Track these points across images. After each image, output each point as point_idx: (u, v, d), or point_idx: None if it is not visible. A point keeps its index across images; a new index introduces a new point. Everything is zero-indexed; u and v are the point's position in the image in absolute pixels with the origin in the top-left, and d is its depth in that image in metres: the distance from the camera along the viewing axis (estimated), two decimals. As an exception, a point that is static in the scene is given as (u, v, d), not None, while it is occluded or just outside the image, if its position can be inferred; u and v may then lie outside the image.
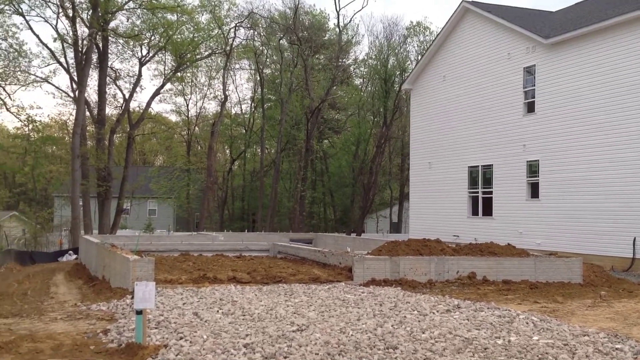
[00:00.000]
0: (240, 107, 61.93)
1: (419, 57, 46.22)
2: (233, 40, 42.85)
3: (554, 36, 21.42)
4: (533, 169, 22.59)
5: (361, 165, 50.43)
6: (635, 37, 18.85)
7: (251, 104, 57.85)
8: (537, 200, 22.24)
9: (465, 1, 26.26)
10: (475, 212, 25.51)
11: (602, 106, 19.77)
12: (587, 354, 7.59)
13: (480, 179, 25.25)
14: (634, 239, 18.29)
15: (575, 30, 20.63)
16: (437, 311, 9.99)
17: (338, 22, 49.84)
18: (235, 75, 56.99)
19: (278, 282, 13.49)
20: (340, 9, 48.90)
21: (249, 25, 46.39)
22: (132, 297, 9.90)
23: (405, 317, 9.45)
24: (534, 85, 22.57)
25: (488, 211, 24.72)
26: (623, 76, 19.12)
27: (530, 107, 22.81)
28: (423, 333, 8.30)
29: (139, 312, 7.47)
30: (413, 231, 28.47)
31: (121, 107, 38.41)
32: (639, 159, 18.49)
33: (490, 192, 24.59)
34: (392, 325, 8.78)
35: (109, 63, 35.61)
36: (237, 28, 43.22)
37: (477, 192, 25.36)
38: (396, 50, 51.98)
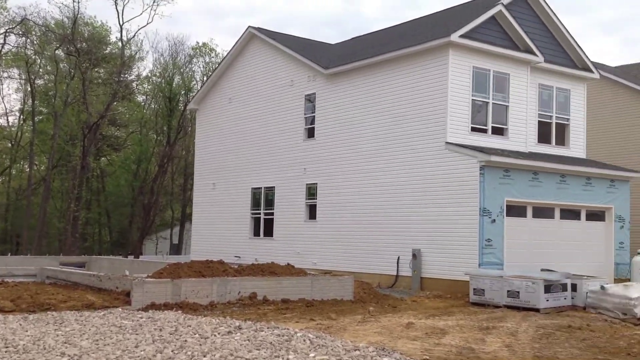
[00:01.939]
0: (7, 119, 56.62)
1: (205, 78, 46.30)
2: (2, 47, 39.30)
3: (332, 67, 22.83)
4: (312, 191, 23.70)
5: (142, 185, 48.85)
6: (396, 74, 20.74)
7: (20, 116, 53.19)
8: (315, 221, 23.34)
9: (251, 27, 26.93)
10: (257, 233, 26.01)
11: (371, 134, 21.44)
12: (358, 367, 8.10)
13: (263, 200, 25.86)
14: (398, 257, 19.96)
15: (351, 63, 22.18)
16: (219, 333, 9.97)
17: (121, 36, 48.05)
18: (2, 85, 51.95)
19: (46, 310, 12.49)
20: (123, 23, 46.98)
21: (21, 32, 42.91)
22: None
23: (186, 341, 9.28)
24: (314, 112, 23.79)
25: (269, 232, 25.37)
26: (387, 108, 20.92)
27: (311, 133, 23.98)
28: (204, 356, 8.22)
29: None
30: (195, 252, 28.18)
31: None
32: (399, 184, 20.27)
33: (272, 214, 25.28)
34: (172, 351, 8.57)
35: None
36: (7, 34, 39.77)
37: (260, 214, 25.91)
38: (182, 69, 51.54)
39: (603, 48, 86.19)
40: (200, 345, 8.98)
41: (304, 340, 9.63)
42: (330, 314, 13.50)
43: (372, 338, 10.88)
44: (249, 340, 9.45)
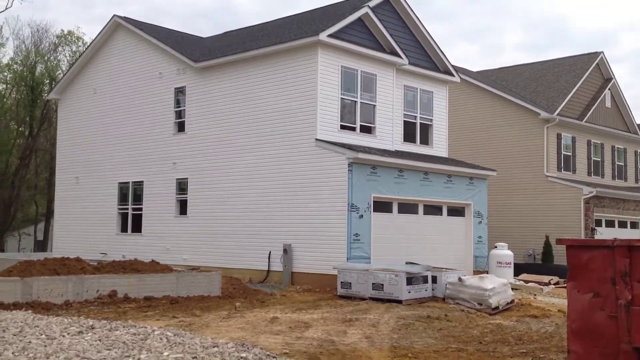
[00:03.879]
0: None
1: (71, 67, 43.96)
2: None
3: (203, 60, 22.35)
4: (182, 186, 23.10)
5: (2, 179, 45.68)
6: (267, 70, 20.67)
7: None
8: (186, 217, 22.79)
9: (117, 16, 25.79)
10: (124, 229, 25.02)
11: (242, 130, 21.21)
12: (214, 364, 7.90)
13: (131, 195, 24.90)
14: (269, 252, 19.91)
15: (222, 57, 21.81)
16: (68, 333, 9.38)
17: (-23, 20, 44.56)
18: None
19: None
20: (-20, 7, 43.57)
21: None
22: None
23: (30, 342, 8.65)
24: (185, 105, 23.19)
25: (137, 228, 24.47)
26: (259, 104, 20.81)
27: (181, 127, 23.35)
28: (47, 358, 7.69)
29: None
30: (58, 249, 26.67)
31: None
32: (270, 180, 20.24)
33: (141, 209, 24.40)
34: (12, 353, 7.95)
35: None
36: None
37: (127, 209, 24.94)
38: (45, 58, 48.66)
39: (467, 55, 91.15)
40: (45, 346, 8.40)
41: (161, 339, 9.27)
42: (195, 311, 13.19)
43: (234, 334, 10.71)
44: (100, 340, 8.96)
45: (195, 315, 12.63)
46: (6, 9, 66.31)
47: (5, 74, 51.31)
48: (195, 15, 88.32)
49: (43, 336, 9.13)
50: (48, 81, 47.14)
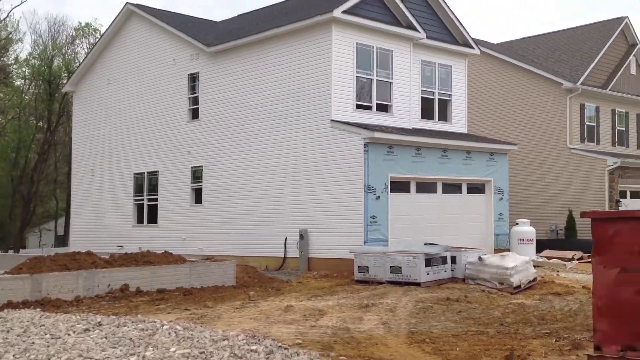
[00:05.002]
0: None
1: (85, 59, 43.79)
2: None
3: (216, 45, 21.94)
4: (197, 174, 22.84)
5: (21, 174, 45.93)
6: (280, 51, 20.22)
7: None
8: (201, 206, 22.55)
9: (129, 3, 25.47)
10: (140, 221, 24.88)
11: (256, 114, 20.84)
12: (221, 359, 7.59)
13: (146, 186, 24.72)
14: (285, 238, 19.58)
15: (234, 40, 21.38)
16: (74, 332, 9.14)
17: (-7, 16, 44.64)
18: None
19: None
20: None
21: None
22: None
23: (33, 342, 8.42)
24: (198, 92, 22.85)
25: (153, 219, 24.31)
26: (273, 86, 20.38)
27: (195, 114, 23.04)
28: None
29: None
30: (75, 244, 26.58)
31: None
32: (285, 165, 19.85)
33: (156, 200, 24.22)
34: (14, 355, 7.71)
35: None
36: None
37: (143, 200, 24.78)
38: (63, 51, 48.63)
39: (488, 27, 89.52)
40: (48, 346, 8.16)
41: (169, 333, 8.99)
42: (208, 302, 12.91)
43: (246, 325, 10.41)
44: (106, 337, 8.70)
45: (207, 306, 12.35)
46: (21, 3, 66.59)
47: (24, 69, 51.50)
48: (215, 3, 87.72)
49: (47, 335, 8.89)
50: (66, 74, 47.12)
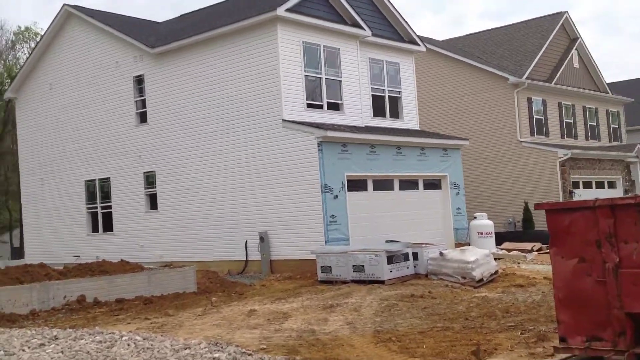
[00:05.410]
0: None
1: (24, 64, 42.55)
2: None
3: (160, 46, 21.49)
4: (150, 180, 22.36)
5: (-32, 186, 44.37)
6: (226, 51, 19.90)
7: None
8: (157, 211, 22.07)
9: (67, 5, 24.72)
10: (95, 229, 24.22)
11: (207, 116, 20.48)
12: (185, 369, 7.36)
13: (99, 193, 24.09)
14: (246, 241, 19.33)
15: (178, 41, 20.97)
16: (29, 347, 8.75)
17: None
18: None
19: None
20: None
21: None
22: None
23: (-15, 362, 8.03)
24: (144, 94, 22.36)
25: (109, 227, 23.69)
26: (221, 87, 20.08)
27: (143, 117, 22.52)
28: (3, 379, 7.09)
29: None
30: (30, 256, 25.79)
31: None
32: (240, 166, 19.59)
33: (110, 207, 23.61)
34: (-35, 377, 7.34)
35: None
36: None
37: (96, 208, 24.13)
38: (3, 56, 47.13)
39: (432, 26, 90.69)
40: (2, 365, 7.79)
41: (129, 345, 8.69)
42: (168, 310, 12.60)
43: (209, 332, 10.18)
44: (62, 352, 8.35)
45: (168, 314, 12.05)
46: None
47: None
48: (159, 5, 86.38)
49: (1, 352, 8.49)
50: (8, 81, 45.63)
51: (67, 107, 25.01)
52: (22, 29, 48.09)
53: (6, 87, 45.12)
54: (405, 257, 15.71)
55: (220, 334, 9.88)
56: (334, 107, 19.98)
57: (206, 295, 14.51)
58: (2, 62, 46.43)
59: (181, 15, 26.72)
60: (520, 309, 11.28)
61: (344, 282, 15.33)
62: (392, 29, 22.50)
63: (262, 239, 18.80)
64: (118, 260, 16.05)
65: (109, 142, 23.45)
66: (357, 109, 20.53)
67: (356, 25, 20.46)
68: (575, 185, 27.29)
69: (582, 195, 25.98)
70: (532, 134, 27.81)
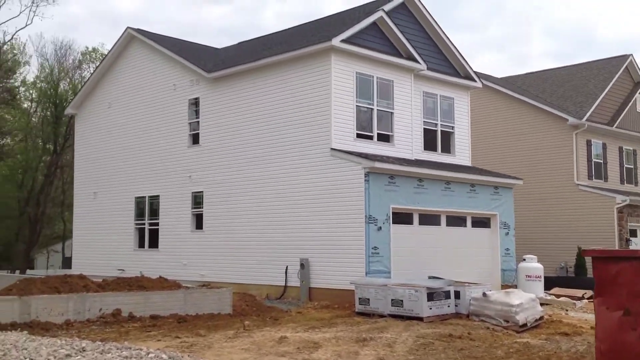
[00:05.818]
0: None
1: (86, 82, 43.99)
2: None
3: (216, 71, 21.86)
4: (198, 200, 22.56)
5: (28, 196, 45.84)
6: (280, 79, 20.02)
7: None
8: (202, 231, 22.22)
9: (130, 28, 25.51)
10: (141, 245, 24.56)
11: (257, 141, 20.59)
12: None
13: (147, 210, 24.45)
14: (287, 267, 19.19)
15: (234, 67, 21.30)
16: (55, 357, 8.75)
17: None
18: None
19: None
20: (-1, 24, 43.96)
21: None
22: None
23: (11, 368, 8.05)
24: (198, 117, 22.70)
25: (154, 243, 23.98)
26: (272, 114, 20.17)
27: (195, 139, 22.86)
28: (23, 386, 7.07)
29: None
30: (77, 266, 26.39)
31: None
32: (286, 192, 19.54)
33: (157, 224, 23.92)
34: (-12, 381, 7.35)
35: None
36: None
37: (144, 224, 24.48)
38: (70, 74, 48.94)
39: (493, 64, 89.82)
40: (25, 373, 7.78)
41: (153, 362, 8.60)
42: (200, 330, 12.50)
43: (236, 356, 10.00)
44: (87, 364, 8.32)
45: (199, 335, 11.94)
46: (26, 25, 67.19)
47: (31, 91, 51.74)
48: (221, 33, 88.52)
49: (27, 360, 8.51)
50: (72, 98, 47.30)
51: (123, 126, 25.63)
52: (90, 49, 49.97)
53: (67, 104, 46.92)
54: (447, 295, 15.23)
55: (246, 359, 9.69)
56: (384, 138, 19.80)
57: (240, 318, 14.37)
58: (68, 79, 48.16)
59: (239, 43, 27.22)
60: (562, 358, 10.70)
61: (382, 316, 14.96)
62: (448, 64, 22.27)
63: (302, 265, 18.62)
64: (145, 277, 16.12)
65: (162, 160, 23.85)
66: (407, 142, 20.28)
67: (411, 58, 20.32)
68: (633, 233, 26.19)
69: (639, 244, 24.90)
70: (589, 177, 26.93)
